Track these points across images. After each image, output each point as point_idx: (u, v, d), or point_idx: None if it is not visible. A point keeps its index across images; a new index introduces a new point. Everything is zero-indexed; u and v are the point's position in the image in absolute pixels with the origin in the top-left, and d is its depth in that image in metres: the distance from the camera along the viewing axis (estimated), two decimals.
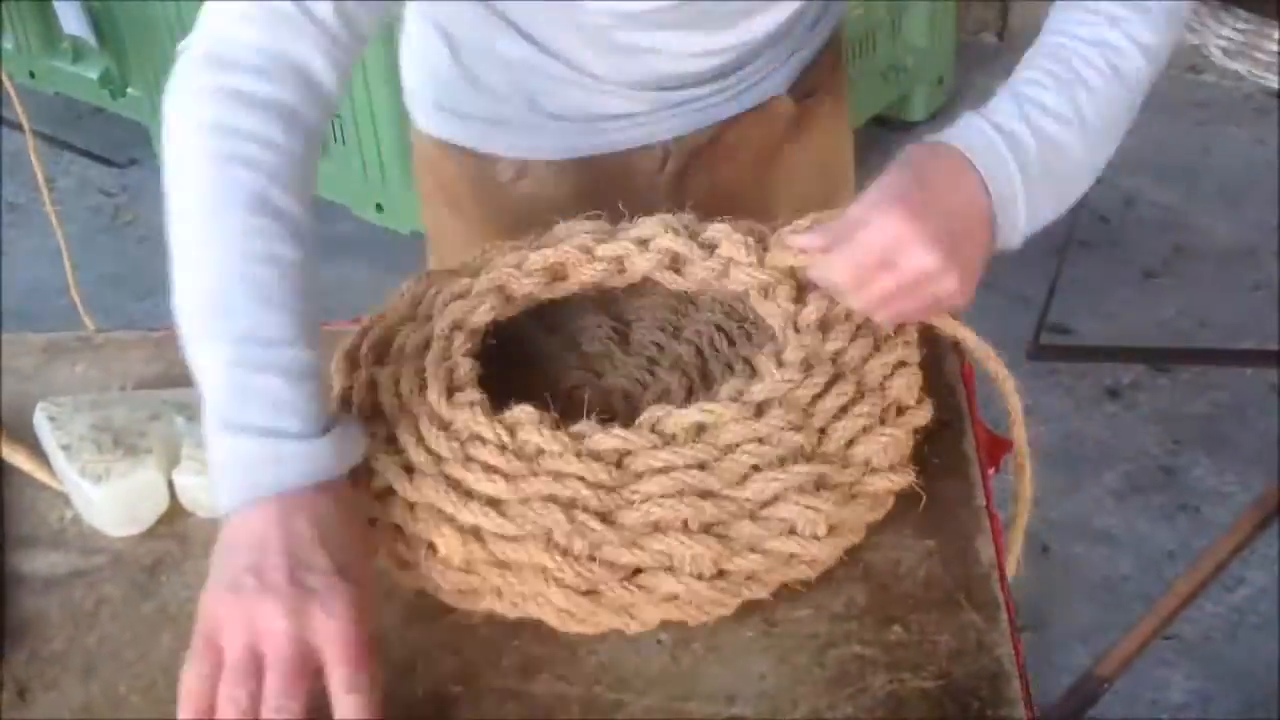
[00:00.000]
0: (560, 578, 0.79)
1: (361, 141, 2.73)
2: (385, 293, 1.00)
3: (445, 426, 0.85)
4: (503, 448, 0.83)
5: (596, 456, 0.82)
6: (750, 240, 0.94)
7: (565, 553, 0.79)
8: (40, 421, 0.96)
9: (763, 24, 1.09)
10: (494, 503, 0.81)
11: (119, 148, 3.37)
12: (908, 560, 0.86)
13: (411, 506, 0.82)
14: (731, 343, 0.99)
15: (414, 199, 2.73)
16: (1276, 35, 1.26)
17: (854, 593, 0.84)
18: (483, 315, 0.93)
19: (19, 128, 2.25)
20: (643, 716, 0.77)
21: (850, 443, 0.84)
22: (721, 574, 0.80)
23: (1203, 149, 3.09)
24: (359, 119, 2.69)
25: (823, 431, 0.84)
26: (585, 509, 0.80)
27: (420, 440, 0.84)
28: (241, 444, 0.76)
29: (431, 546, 0.82)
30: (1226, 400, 2.39)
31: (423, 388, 0.87)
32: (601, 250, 0.96)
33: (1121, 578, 2.08)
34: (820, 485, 0.82)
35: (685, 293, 0.99)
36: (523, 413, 0.84)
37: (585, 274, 0.96)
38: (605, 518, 0.80)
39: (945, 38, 3.14)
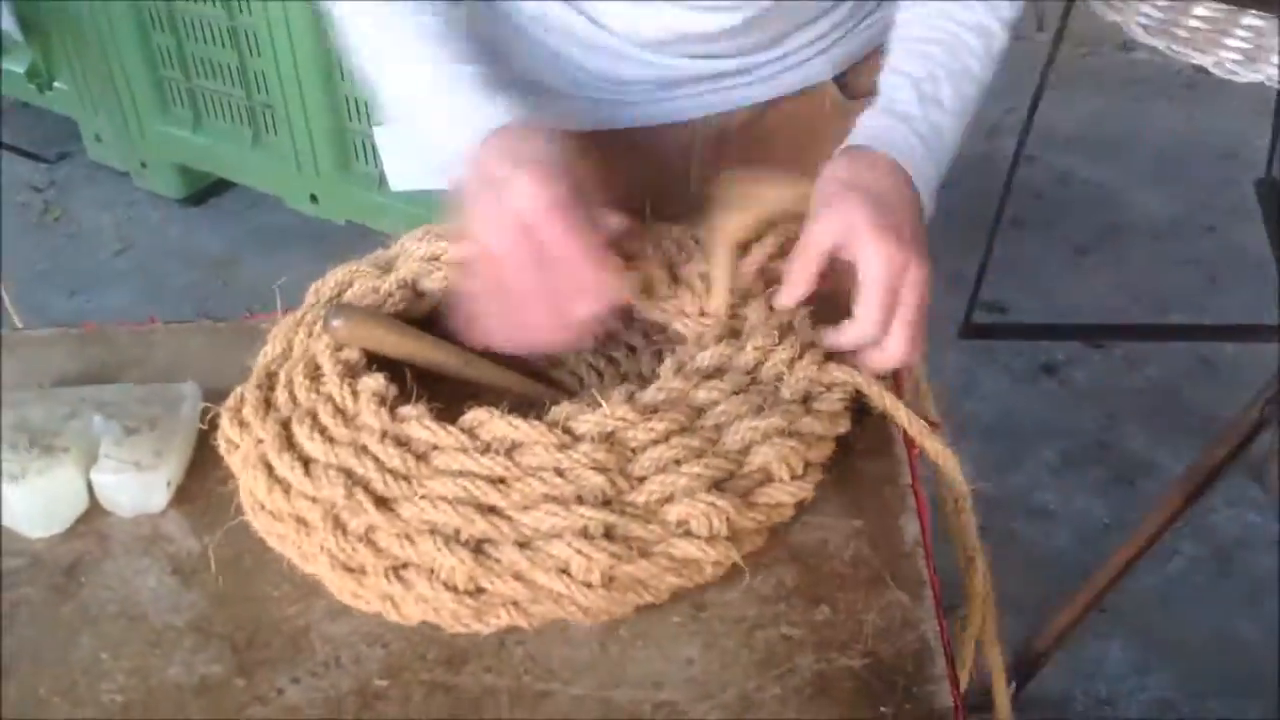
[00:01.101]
0: (448, 580, 0.80)
1: (294, 133, 2.71)
2: (311, 285, 1.00)
3: (346, 420, 0.85)
4: (400, 443, 0.83)
5: (487, 449, 0.82)
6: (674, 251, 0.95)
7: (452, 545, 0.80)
8: None
9: None
10: (382, 502, 0.81)
11: (47, 143, 3.32)
12: (835, 540, 0.86)
13: (313, 500, 0.83)
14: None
15: (348, 190, 2.74)
16: (1195, 11, 1.27)
17: (782, 574, 0.84)
18: (391, 306, 0.93)
19: None
20: (571, 706, 0.77)
21: (747, 449, 0.84)
22: (612, 580, 0.80)
23: (1134, 126, 3.12)
24: (291, 110, 2.67)
25: (716, 438, 0.84)
26: (473, 504, 0.81)
27: (321, 430, 0.85)
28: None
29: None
30: (1159, 375, 2.42)
31: (317, 376, 0.89)
32: None
33: (1059, 551, 2.10)
34: (715, 485, 0.82)
35: None
36: (413, 409, 0.84)
37: None
38: (496, 511, 0.81)
39: None
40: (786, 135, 1.16)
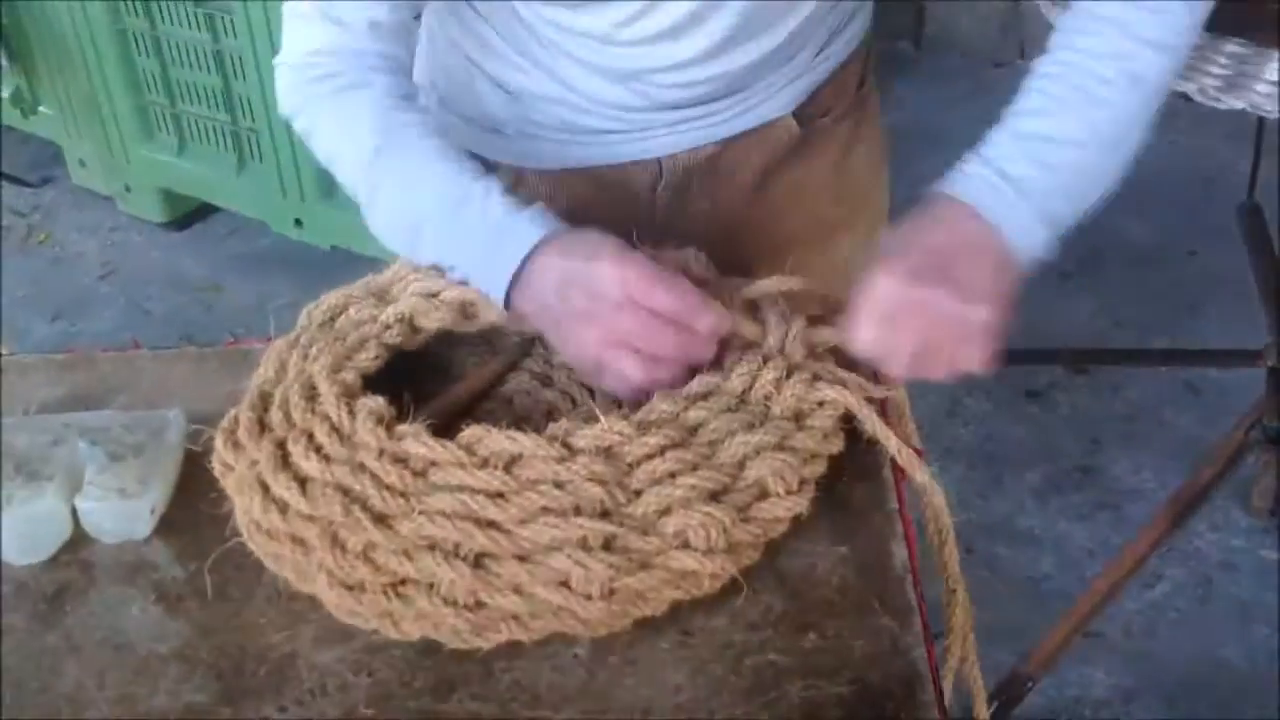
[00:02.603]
0: (448, 595, 0.80)
1: (279, 158, 2.71)
2: (304, 309, 1.00)
3: (343, 439, 0.86)
4: (398, 461, 0.84)
5: (485, 464, 0.83)
6: None
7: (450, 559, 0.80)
8: None
9: (745, 54, 1.07)
10: (381, 519, 0.82)
11: (31, 167, 3.31)
12: (822, 566, 0.86)
13: (310, 519, 0.83)
14: None
15: (332, 215, 2.74)
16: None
17: (770, 600, 0.84)
18: (390, 338, 0.94)
19: None
20: None
21: (742, 464, 0.85)
22: (612, 593, 0.80)
23: None
24: (276, 135, 2.67)
25: (711, 453, 0.84)
26: (472, 519, 0.81)
27: (317, 450, 0.86)
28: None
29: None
30: (1142, 399, 2.43)
31: (313, 398, 0.89)
32: None
33: (1044, 576, 2.10)
34: (711, 497, 0.82)
35: None
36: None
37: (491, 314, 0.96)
38: (496, 526, 0.81)
39: None
40: (746, 169, 1.17)
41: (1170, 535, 1.72)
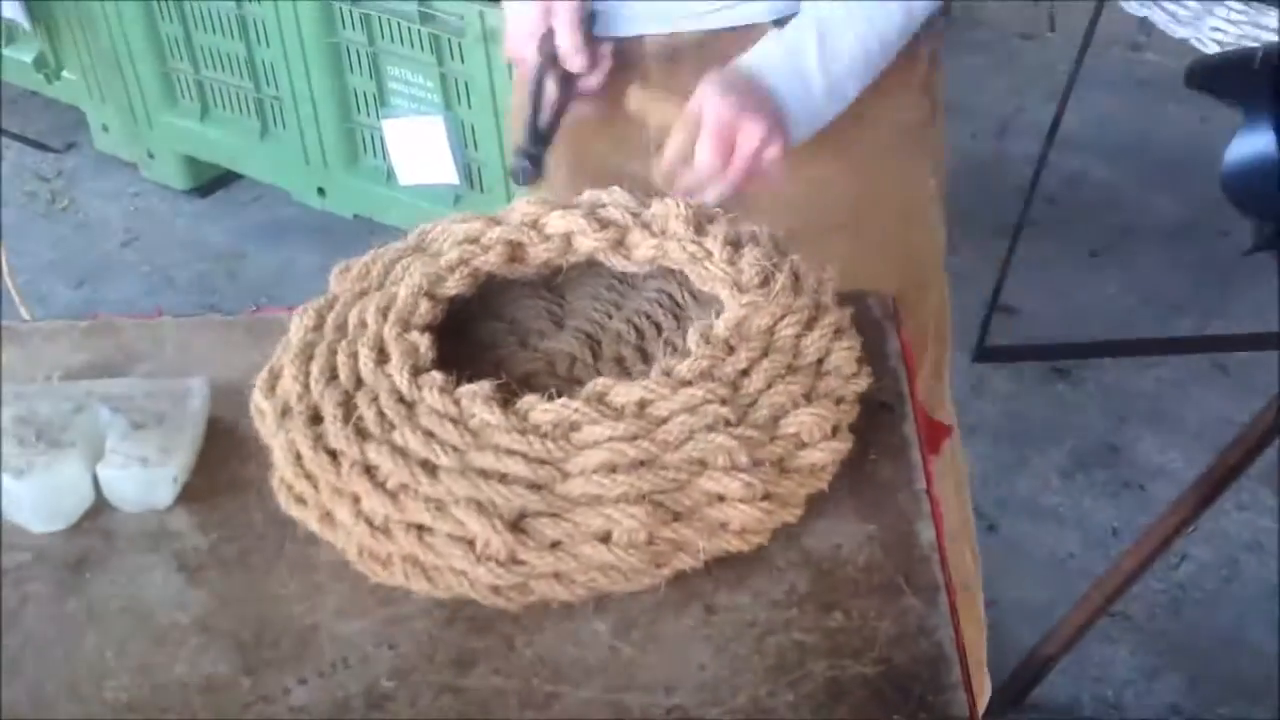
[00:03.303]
0: (483, 552, 0.79)
1: (302, 125, 2.70)
2: (329, 276, 0.99)
3: (402, 400, 0.85)
4: (454, 421, 0.83)
5: (537, 431, 0.82)
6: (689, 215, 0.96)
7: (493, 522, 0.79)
8: None
9: None
10: (429, 467, 0.81)
11: (55, 132, 3.31)
12: (848, 545, 0.85)
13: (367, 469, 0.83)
14: (664, 325, 0.99)
15: (355, 183, 2.72)
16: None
17: (794, 579, 0.83)
18: (451, 287, 0.93)
19: None
20: (581, 709, 0.76)
21: (778, 417, 0.84)
22: (651, 541, 0.80)
23: (1146, 128, 3.11)
24: (299, 103, 2.66)
25: (751, 405, 0.85)
26: (518, 481, 0.80)
27: (379, 412, 0.85)
28: None
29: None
30: (1170, 378, 2.41)
31: (382, 360, 0.88)
32: (551, 227, 0.96)
33: (1068, 555, 2.09)
34: (747, 454, 0.82)
35: (623, 275, 1.00)
36: (472, 389, 0.85)
37: (538, 253, 0.96)
38: (540, 487, 0.80)
39: None
40: (722, 65, 1.20)
41: (1197, 515, 1.70)
